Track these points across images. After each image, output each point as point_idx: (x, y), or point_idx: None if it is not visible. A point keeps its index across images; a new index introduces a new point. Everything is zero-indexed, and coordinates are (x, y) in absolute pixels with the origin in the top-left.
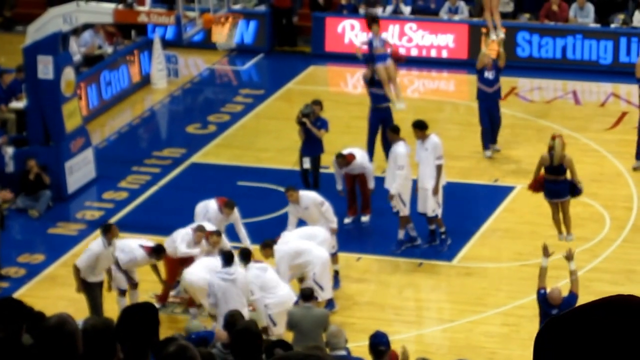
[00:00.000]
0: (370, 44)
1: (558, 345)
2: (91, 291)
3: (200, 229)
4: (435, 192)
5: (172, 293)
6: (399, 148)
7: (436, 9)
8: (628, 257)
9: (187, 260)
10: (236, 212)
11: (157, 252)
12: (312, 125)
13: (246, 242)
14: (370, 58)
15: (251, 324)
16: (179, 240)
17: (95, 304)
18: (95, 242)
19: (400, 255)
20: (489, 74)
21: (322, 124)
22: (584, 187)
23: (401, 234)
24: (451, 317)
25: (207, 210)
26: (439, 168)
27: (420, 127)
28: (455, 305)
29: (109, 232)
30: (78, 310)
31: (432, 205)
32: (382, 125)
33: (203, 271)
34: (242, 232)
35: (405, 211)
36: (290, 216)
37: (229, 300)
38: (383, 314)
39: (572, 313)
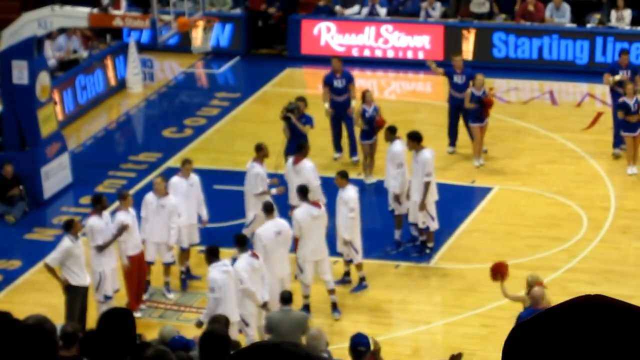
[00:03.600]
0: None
1: (528, 350)
2: (72, 295)
3: (123, 195)
4: (421, 207)
5: (144, 297)
6: (396, 147)
7: (412, 9)
8: (605, 257)
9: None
10: (194, 176)
11: (96, 201)
12: (297, 121)
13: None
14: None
15: (217, 329)
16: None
17: (71, 309)
18: (63, 241)
19: (378, 258)
20: (458, 79)
21: (307, 120)
22: (564, 189)
23: (397, 234)
24: (429, 319)
25: (175, 188)
26: (426, 185)
27: (414, 139)
28: (433, 306)
29: (72, 228)
30: (56, 315)
31: (422, 218)
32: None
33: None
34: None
35: (401, 211)
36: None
37: (229, 292)
38: (361, 316)
39: (540, 317)
